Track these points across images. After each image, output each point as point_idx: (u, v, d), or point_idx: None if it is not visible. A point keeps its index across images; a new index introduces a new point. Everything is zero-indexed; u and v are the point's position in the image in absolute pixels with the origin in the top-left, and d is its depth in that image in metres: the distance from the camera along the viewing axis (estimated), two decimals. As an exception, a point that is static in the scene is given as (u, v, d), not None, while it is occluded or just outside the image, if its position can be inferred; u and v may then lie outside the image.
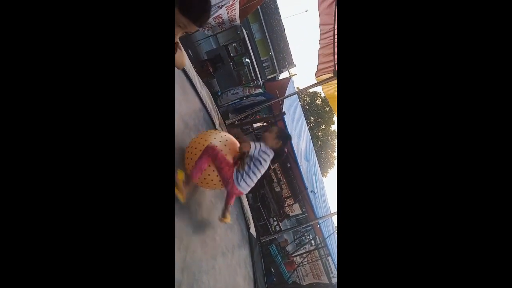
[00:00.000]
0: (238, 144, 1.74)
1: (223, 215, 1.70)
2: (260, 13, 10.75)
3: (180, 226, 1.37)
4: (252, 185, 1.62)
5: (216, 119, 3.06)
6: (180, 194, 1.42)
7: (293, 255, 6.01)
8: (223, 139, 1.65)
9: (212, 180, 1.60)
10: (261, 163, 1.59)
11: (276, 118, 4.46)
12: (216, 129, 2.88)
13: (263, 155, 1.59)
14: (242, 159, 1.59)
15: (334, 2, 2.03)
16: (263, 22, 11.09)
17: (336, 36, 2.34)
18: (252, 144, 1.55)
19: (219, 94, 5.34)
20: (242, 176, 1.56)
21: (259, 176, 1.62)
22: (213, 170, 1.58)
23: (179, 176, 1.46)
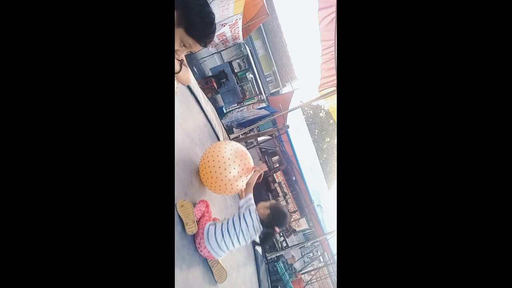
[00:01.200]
0: (247, 154, 1.76)
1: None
2: (263, 30, 11.12)
3: (183, 245, 1.35)
4: (226, 250, 1.34)
5: (221, 134, 3.08)
6: (188, 225, 1.30)
7: (301, 272, 5.80)
8: (233, 150, 1.71)
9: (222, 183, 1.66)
10: (241, 229, 1.34)
11: (280, 131, 4.48)
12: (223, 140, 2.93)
13: (247, 216, 1.39)
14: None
15: (335, 20, 2.09)
16: (265, 39, 11.43)
17: (336, 51, 2.39)
18: (245, 200, 1.47)
19: (225, 112, 5.43)
20: (214, 231, 1.33)
21: (235, 242, 1.34)
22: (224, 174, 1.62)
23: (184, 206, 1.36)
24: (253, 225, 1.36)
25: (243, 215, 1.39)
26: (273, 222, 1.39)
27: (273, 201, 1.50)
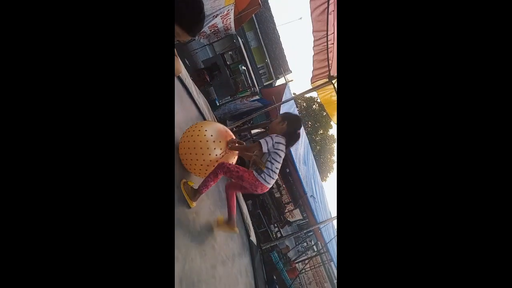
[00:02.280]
0: (229, 132, 1.75)
1: (231, 223, 1.71)
2: (255, 21, 10.94)
3: (178, 235, 1.36)
4: (276, 177, 1.61)
5: (214, 127, 3.07)
6: (189, 201, 1.54)
7: (295, 261, 5.93)
8: (214, 132, 1.64)
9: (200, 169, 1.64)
10: (279, 155, 1.57)
11: (273, 124, 4.47)
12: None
13: (278, 146, 1.56)
14: (256, 161, 1.59)
15: (326, 10, 2.08)
16: (258, 30, 11.26)
17: (329, 42, 2.38)
18: (262, 142, 1.53)
19: (218, 105, 5.39)
20: (268, 174, 1.55)
21: (279, 166, 1.60)
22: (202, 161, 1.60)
23: (190, 183, 1.55)
24: (285, 145, 1.61)
25: (277, 153, 1.57)
26: (294, 129, 1.65)
27: (279, 116, 1.66)
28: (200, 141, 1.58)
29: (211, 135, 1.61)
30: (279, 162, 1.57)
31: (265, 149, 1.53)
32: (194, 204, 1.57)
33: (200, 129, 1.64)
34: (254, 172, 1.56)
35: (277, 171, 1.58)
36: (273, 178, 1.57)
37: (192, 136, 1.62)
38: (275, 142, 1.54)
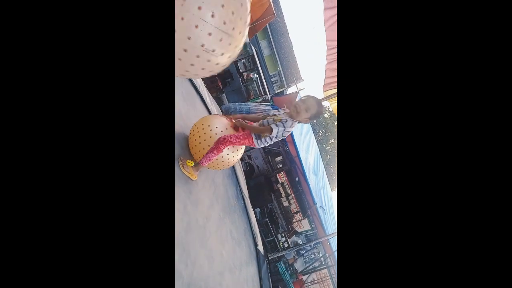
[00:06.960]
0: (227, 119, 1.76)
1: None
2: (269, 30, 11.11)
3: (189, 240, 1.36)
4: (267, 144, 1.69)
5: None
6: (192, 176, 1.60)
7: (301, 273, 5.78)
8: (224, 127, 1.66)
9: (217, 163, 1.68)
10: (282, 136, 1.62)
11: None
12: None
13: (286, 134, 1.57)
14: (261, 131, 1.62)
15: (341, 20, 2.09)
16: (271, 39, 11.42)
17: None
18: (274, 128, 1.51)
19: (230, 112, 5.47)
20: (264, 142, 1.62)
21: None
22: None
23: (189, 163, 1.60)
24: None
25: (281, 136, 1.59)
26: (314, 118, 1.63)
27: (311, 108, 1.50)
28: (210, 137, 1.60)
29: (216, 127, 1.63)
30: (276, 139, 1.64)
31: (274, 134, 1.53)
32: (196, 176, 1.64)
33: (204, 127, 1.66)
34: (254, 137, 1.59)
35: (271, 142, 1.66)
36: (264, 144, 1.66)
37: (200, 137, 1.65)
38: (286, 131, 1.55)
